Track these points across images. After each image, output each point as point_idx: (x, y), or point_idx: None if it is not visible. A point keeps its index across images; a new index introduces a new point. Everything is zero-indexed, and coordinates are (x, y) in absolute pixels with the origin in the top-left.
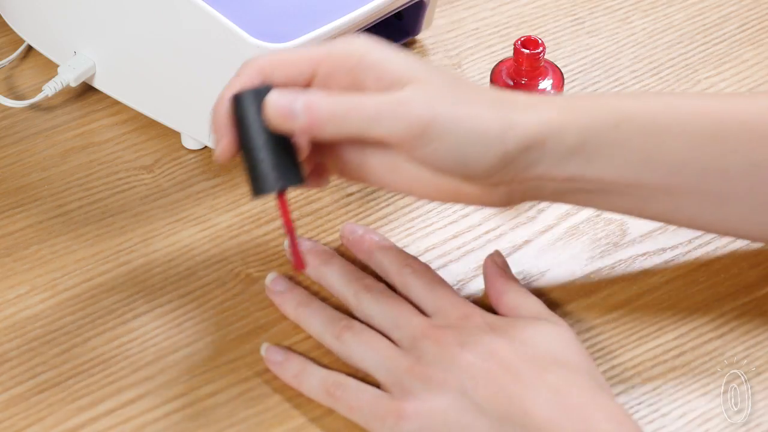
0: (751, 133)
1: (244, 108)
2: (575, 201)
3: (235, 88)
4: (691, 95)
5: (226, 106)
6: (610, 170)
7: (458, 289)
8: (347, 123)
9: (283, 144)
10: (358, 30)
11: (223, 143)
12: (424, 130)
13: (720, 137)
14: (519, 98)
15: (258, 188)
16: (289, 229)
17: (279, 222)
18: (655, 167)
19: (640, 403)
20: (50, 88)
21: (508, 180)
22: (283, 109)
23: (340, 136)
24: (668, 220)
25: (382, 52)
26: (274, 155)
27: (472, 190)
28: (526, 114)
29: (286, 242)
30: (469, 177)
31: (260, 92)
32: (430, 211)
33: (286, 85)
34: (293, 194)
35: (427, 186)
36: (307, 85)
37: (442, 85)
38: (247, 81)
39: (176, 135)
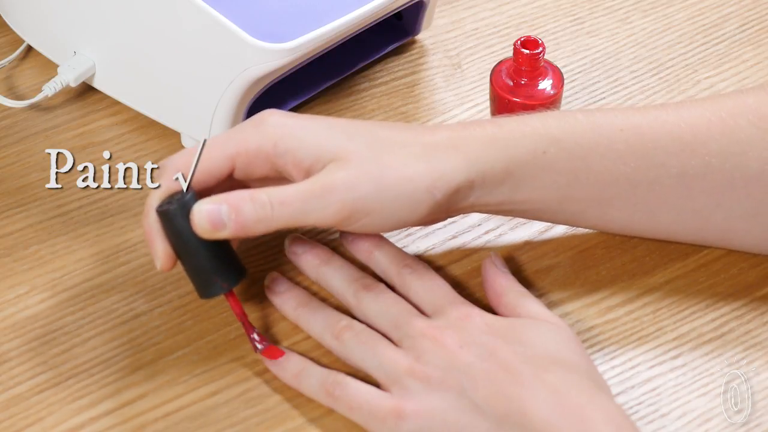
0: (677, 144)
1: (171, 221)
2: (511, 216)
3: (159, 195)
4: (617, 111)
5: (153, 218)
6: (539, 192)
7: (458, 289)
8: (275, 221)
9: (217, 244)
10: (358, 30)
11: (161, 256)
12: (351, 213)
13: (647, 151)
14: (442, 138)
15: (205, 293)
16: (243, 319)
17: None
18: (583, 185)
19: (640, 403)
20: (50, 88)
21: (443, 213)
22: (211, 220)
23: (271, 231)
24: (601, 228)
25: (294, 134)
26: (212, 259)
27: (410, 225)
28: (452, 158)
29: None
30: (405, 226)
31: (184, 202)
32: None
33: (207, 182)
34: None
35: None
36: (228, 176)
37: (363, 155)
38: (170, 185)
39: (176, 135)
